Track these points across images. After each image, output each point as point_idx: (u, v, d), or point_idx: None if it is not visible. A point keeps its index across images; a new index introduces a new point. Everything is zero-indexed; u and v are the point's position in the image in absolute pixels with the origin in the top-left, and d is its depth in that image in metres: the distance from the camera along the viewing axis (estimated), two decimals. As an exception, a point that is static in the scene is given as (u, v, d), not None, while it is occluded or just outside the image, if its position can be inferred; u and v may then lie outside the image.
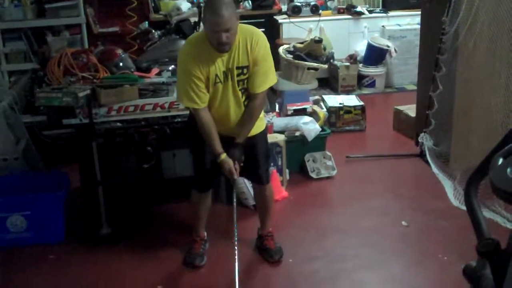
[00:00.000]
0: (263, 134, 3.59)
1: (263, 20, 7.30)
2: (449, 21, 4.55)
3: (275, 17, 7.47)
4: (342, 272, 3.60)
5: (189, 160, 4.19)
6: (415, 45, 6.50)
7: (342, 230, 4.10)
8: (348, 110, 5.96)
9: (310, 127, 4.86)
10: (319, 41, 5.08)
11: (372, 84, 7.36)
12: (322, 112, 5.28)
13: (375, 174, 5.03)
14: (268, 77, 3.35)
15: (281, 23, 7.35)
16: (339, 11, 7.61)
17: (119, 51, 4.46)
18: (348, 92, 7.11)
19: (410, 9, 7.49)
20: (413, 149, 5.34)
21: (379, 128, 6.05)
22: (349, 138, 5.83)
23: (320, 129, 4.94)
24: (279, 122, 4.88)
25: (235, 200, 3.49)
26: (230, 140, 3.38)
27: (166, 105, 3.96)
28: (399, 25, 7.53)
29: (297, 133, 4.87)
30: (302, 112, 5.05)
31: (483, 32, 4.14)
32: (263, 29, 3.57)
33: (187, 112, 3.70)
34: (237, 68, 3.27)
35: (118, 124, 4.53)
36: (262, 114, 3.56)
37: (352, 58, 7.37)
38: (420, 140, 5.12)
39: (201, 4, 4.89)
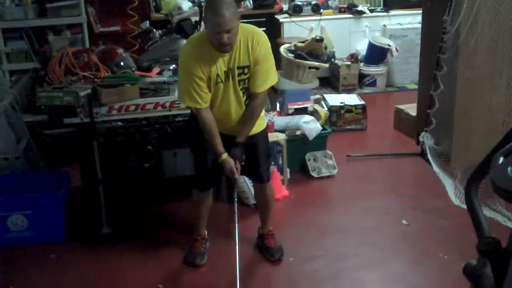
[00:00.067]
0: (264, 133, 3.59)
1: (264, 19, 7.30)
2: (450, 20, 4.55)
3: (276, 16, 7.47)
4: (343, 271, 3.60)
5: (190, 159, 4.20)
6: (416, 44, 6.50)
7: (343, 229, 4.10)
8: (349, 109, 5.96)
9: (311, 126, 4.86)
10: (320, 40, 5.08)
11: (373, 83, 7.36)
12: (323, 111, 5.28)
13: (376, 173, 5.03)
14: (269, 77, 3.35)
15: (282, 22, 7.35)
16: (340, 10, 7.61)
17: (120, 51, 4.46)
18: (349, 91, 7.10)
19: (411, 8, 7.48)
20: (414, 148, 5.34)
21: (380, 127, 6.05)
22: (350, 137, 5.83)
23: (321, 128, 4.94)
24: (280, 121, 4.88)
25: (236, 199, 3.49)
26: (231, 139, 3.39)
27: (167, 104, 3.96)
28: (400, 24, 7.53)
29: (298, 132, 4.87)
30: (303, 111, 5.05)
31: (484, 31, 4.13)
32: (264, 28, 3.57)
33: (188, 111, 3.70)
34: (238, 68, 3.27)
35: (119, 123, 4.53)
36: (263, 113, 3.57)
37: (353, 57, 7.37)
38: (421, 139, 5.11)
39: (202, 4, 4.89)
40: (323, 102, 5.81)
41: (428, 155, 4.95)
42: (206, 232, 3.84)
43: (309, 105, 5.11)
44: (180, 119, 4.43)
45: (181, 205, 4.34)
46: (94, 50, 4.44)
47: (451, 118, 4.67)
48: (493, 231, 1.84)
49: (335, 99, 6.10)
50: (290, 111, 5.03)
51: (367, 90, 7.33)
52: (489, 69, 4.13)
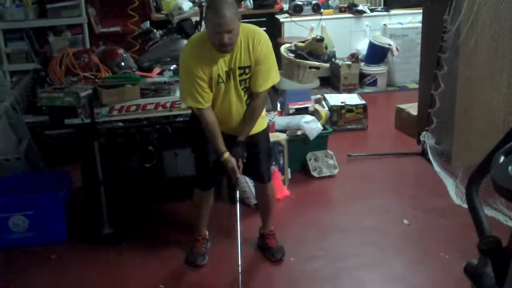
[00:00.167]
0: (265, 132, 3.59)
1: (264, 19, 7.29)
2: (451, 20, 4.55)
3: (276, 16, 7.46)
4: (344, 271, 3.60)
5: (190, 160, 4.20)
6: (417, 44, 6.49)
7: (344, 229, 4.10)
8: (349, 109, 5.96)
9: (311, 126, 4.86)
10: (321, 40, 5.08)
11: (373, 83, 7.36)
12: (323, 111, 5.28)
13: (377, 172, 5.03)
14: (270, 76, 3.35)
15: (282, 22, 7.35)
16: (341, 10, 7.60)
17: (121, 51, 4.47)
18: (349, 91, 7.10)
19: (412, 8, 7.47)
20: (415, 147, 5.34)
21: (381, 126, 6.04)
22: (351, 137, 5.83)
23: (322, 128, 4.94)
24: (281, 121, 4.88)
25: (238, 198, 3.49)
26: (232, 139, 3.39)
27: (168, 105, 3.96)
28: (400, 23, 7.52)
29: (299, 132, 4.87)
30: (303, 111, 5.04)
31: (484, 30, 4.13)
32: (265, 28, 3.58)
33: (189, 111, 3.71)
34: (239, 68, 3.27)
35: (120, 123, 4.53)
36: (264, 112, 3.57)
37: (354, 57, 7.36)
38: (421, 139, 5.11)
39: (203, 4, 4.90)
40: (323, 102, 5.81)
41: (429, 154, 4.94)
42: (207, 232, 3.84)
43: (310, 105, 5.11)
44: (181, 119, 4.44)
45: (182, 205, 4.34)
46: (95, 51, 4.45)
47: (452, 118, 4.67)
48: (494, 230, 1.84)
49: (335, 98, 6.10)
50: (291, 111, 5.03)
51: (367, 89, 7.32)
52: (490, 68, 4.13)
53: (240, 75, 3.29)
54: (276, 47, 4.76)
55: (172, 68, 4.37)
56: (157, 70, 4.33)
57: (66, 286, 3.59)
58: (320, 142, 4.97)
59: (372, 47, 7.25)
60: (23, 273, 3.69)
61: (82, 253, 3.88)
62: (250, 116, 3.38)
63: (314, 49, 5.07)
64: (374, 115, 6.13)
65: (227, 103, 3.35)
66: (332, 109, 5.85)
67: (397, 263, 3.68)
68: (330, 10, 7.60)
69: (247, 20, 5.84)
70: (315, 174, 4.87)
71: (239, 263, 3.33)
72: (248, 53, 3.25)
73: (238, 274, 3.32)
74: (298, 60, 5.00)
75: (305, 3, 7.37)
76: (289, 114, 5.02)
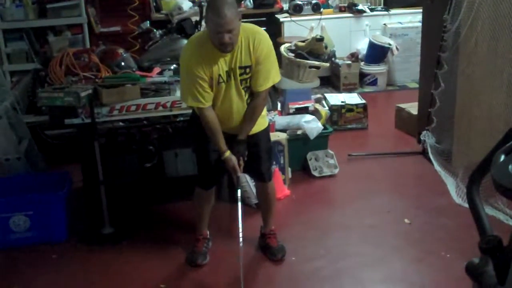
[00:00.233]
0: (266, 131, 3.59)
1: (264, 18, 7.30)
2: (451, 19, 4.55)
3: (276, 15, 7.47)
4: (345, 270, 3.60)
5: (191, 159, 4.21)
6: (417, 43, 6.49)
7: (345, 228, 4.10)
8: (350, 108, 5.96)
9: (312, 125, 4.86)
10: (321, 39, 5.08)
11: (374, 82, 7.36)
12: (324, 110, 5.28)
13: (377, 172, 5.03)
14: (270, 76, 3.35)
15: (282, 22, 7.35)
16: (341, 9, 7.61)
17: (121, 51, 4.47)
18: (350, 90, 7.10)
19: (412, 7, 7.47)
20: (415, 147, 5.33)
21: (381, 126, 6.04)
22: (351, 136, 5.83)
23: (322, 127, 4.94)
24: (281, 120, 4.88)
25: (239, 197, 3.49)
26: (233, 138, 3.40)
27: (168, 104, 3.96)
28: (400, 23, 7.53)
29: (299, 132, 4.87)
30: (304, 110, 5.04)
31: (484, 29, 4.13)
32: (265, 28, 3.57)
33: (189, 111, 3.71)
34: (240, 68, 3.27)
35: (120, 123, 4.54)
36: (264, 112, 3.57)
37: (354, 57, 7.36)
38: (422, 138, 5.11)
39: (202, 3, 4.90)
40: (324, 102, 5.81)
41: (430, 153, 4.94)
42: (208, 232, 3.84)
43: (310, 104, 5.11)
44: (181, 119, 4.44)
45: (183, 205, 4.34)
46: (95, 51, 4.45)
47: (452, 117, 4.67)
48: (495, 230, 1.84)
49: (336, 98, 6.10)
50: (291, 111, 5.03)
51: (368, 89, 7.32)
52: (490, 67, 4.13)
53: (241, 74, 3.29)
54: (276, 46, 4.76)
55: (172, 67, 4.38)
56: (157, 69, 4.33)
57: (67, 286, 3.59)
58: (321, 141, 4.97)
59: (372, 46, 7.25)
60: (23, 273, 3.69)
61: (82, 252, 3.88)
62: (251, 115, 3.39)
63: (314, 48, 5.07)
64: (374, 114, 6.13)
65: (227, 103, 3.35)
66: (332, 109, 5.86)
67: (398, 262, 3.68)
68: (330, 10, 7.61)
69: (247, 19, 5.84)
70: (315, 173, 4.87)
71: (241, 263, 3.33)
72: (249, 53, 3.25)
73: (240, 274, 3.32)
74: (298, 59, 5.00)
75: (305, 2, 7.37)
76: (289, 114, 5.02)
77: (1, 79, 4.87)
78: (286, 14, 7.42)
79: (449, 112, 4.71)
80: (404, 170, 5.07)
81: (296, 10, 7.37)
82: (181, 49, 4.39)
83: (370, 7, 7.66)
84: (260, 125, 3.49)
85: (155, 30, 5.00)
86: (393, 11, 7.64)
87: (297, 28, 7.24)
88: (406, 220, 4.14)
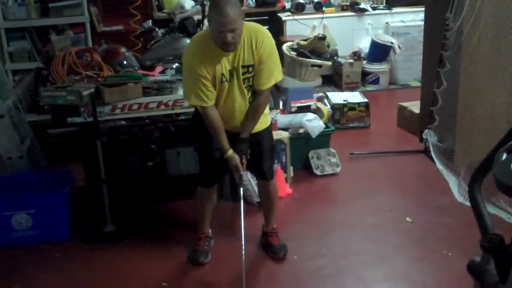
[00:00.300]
0: (268, 130, 3.60)
1: (266, 17, 7.28)
2: (453, 17, 4.54)
3: (278, 14, 7.46)
4: (346, 268, 3.60)
5: (193, 158, 4.22)
6: (419, 42, 6.48)
7: (346, 227, 4.10)
8: (352, 107, 5.96)
9: (314, 124, 4.86)
10: (323, 38, 5.08)
11: (376, 81, 7.36)
12: (326, 109, 5.28)
13: (379, 170, 5.03)
14: (273, 74, 3.35)
15: (284, 21, 7.36)
16: (343, 8, 7.61)
17: (123, 50, 4.48)
18: (352, 89, 7.10)
19: (414, 6, 7.46)
20: (418, 145, 5.33)
21: (383, 124, 6.04)
22: (353, 135, 5.83)
23: (324, 126, 4.94)
24: (283, 119, 4.88)
25: (242, 195, 3.50)
26: (236, 136, 3.40)
27: (170, 103, 3.96)
28: (403, 21, 7.53)
29: (301, 130, 4.87)
30: (306, 109, 5.04)
31: (487, 28, 4.13)
32: (267, 27, 3.58)
33: (191, 109, 3.72)
34: (243, 66, 3.27)
35: (122, 122, 4.55)
36: (267, 110, 3.57)
37: (356, 55, 7.37)
38: (424, 137, 5.11)
39: (205, 2, 4.89)
40: (326, 100, 5.81)
41: (432, 152, 4.94)
42: (210, 230, 3.84)
43: (312, 103, 5.11)
44: (183, 117, 4.45)
45: (184, 203, 4.34)
46: (97, 50, 4.45)
47: (454, 115, 4.67)
48: (497, 228, 1.84)
49: (338, 97, 6.10)
50: (293, 109, 5.03)
51: (370, 87, 7.32)
52: (492, 66, 4.13)
53: (244, 73, 3.29)
54: (278, 45, 4.77)
55: (174, 66, 4.38)
56: (159, 68, 4.33)
57: (69, 284, 3.59)
58: (323, 140, 4.97)
59: (374, 45, 7.25)
60: (25, 271, 3.70)
61: (84, 251, 3.89)
62: (253, 113, 3.39)
63: (316, 47, 5.06)
64: (376, 113, 6.13)
65: (230, 102, 3.36)
66: (335, 107, 5.86)
67: (400, 261, 3.68)
68: (332, 9, 7.61)
69: (249, 18, 5.81)
70: (317, 172, 4.87)
71: (243, 262, 3.34)
72: (252, 52, 3.25)
73: (242, 272, 3.32)
74: (300, 58, 5.00)
75: (307, 1, 7.38)
76: (291, 112, 5.02)
77: (3, 78, 4.88)
78: (288, 13, 7.42)
79: (451, 110, 4.71)
80: (406, 169, 5.07)
81: (298, 8, 7.37)
82: (183, 48, 4.41)
83: (372, 6, 7.66)
84: (262, 123, 3.49)
85: (157, 29, 5.01)
86: (395, 9, 7.64)
87: (299, 27, 7.24)
88: (408, 219, 4.14)
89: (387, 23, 7.52)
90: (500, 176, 1.66)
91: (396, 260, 3.69)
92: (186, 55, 3.35)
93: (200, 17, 4.98)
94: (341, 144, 5.27)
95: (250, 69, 3.29)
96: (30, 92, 4.93)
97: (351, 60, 7.28)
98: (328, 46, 5.15)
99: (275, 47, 3.35)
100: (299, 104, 5.04)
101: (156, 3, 7.10)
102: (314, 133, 4.85)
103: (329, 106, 5.62)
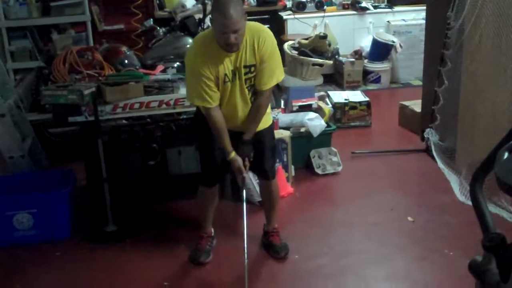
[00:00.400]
0: (270, 129, 3.59)
1: (267, 16, 7.28)
2: (454, 16, 4.54)
3: (279, 13, 7.46)
4: (348, 267, 3.60)
5: (194, 157, 4.21)
6: (421, 40, 6.48)
7: (348, 226, 4.10)
8: (353, 106, 5.96)
9: (315, 123, 4.85)
10: (324, 37, 5.08)
11: (377, 80, 7.35)
12: (327, 108, 5.28)
13: (381, 169, 5.03)
14: (274, 74, 3.35)
15: (285, 19, 7.35)
16: (344, 7, 7.61)
17: (124, 49, 4.47)
18: (353, 88, 7.09)
19: (415, 4, 7.45)
20: (419, 144, 5.33)
21: (384, 123, 6.04)
22: (355, 134, 5.83)
23: (326, 125, 4.94)
24: (285, 118, 4.88)
25: (244, 197, 3.49)
26: (238, 135, 3.40)
27: (172, 102, 3.96)
28: (404, 20, 7.52)
29: (303, 129, 4.87)
30: (307, 108, 5.04)
31: (488, 26, 4.12)
32: (268, 25, 3.56)
33: (193, 108, 3.72)
34: (245, 66, 3.27)
35: (124, 121, 4.55)
36: (269, 109, 3.57)
37: (357, 54, 7.36)
38: (425, 136, 5.11)
39: (206, 1, 4.89)
40: (327, 99, 5.80)
41: (433, 151, 4.94)
42: (212, 230, 3.84)
43: (313, 102, 5.11)
44: (185, 116, 4.45)
45: (186, 203, 4.34)
46: (98, 49, 4.45)
47: (456, 114, 4.66)
48: (498, 227, 1.84)
49: (339, 96, 6.10)
50: (294, 108, 5.02)
51: (371, 86, 7.32)
52: (494, 65, 4.13)
53: (246, 73, 3.29)
54: (280, 44, 4.76)
55: (175, 65, 4.37)
56: (160, 67, 4.33)
57: (70, 284, 3.59)
58: (324, 139, 4.96)
59: (376, 44, 7.24)
60: (27, 271, 3.70)
61: (85, 250, 3.89)
62: (255, 114, 3.39)
63: (318, 46, 5.06)
64: (377, 112, 6.13)
65: (232, 102, 3.35)
66: (336, 106, 5.86)
67: (401, 260, 3.68)
68: (333, 7, 7.61)
69: (250, 17, 5.79)
70: (319, 171, 4.86)
71: (245, 263, 3.33)
72: (253, 52, 3.25)
73: (243, 272, 3.32)
74: (301, 57, 5.00)
75: (308, 0, 7.36)
76: (292, 111, 5.02)
77: (4, 77, 4.88)
78: (289, 12, 7.42)
79: (453, 109, 4.70)
80: (408, 168, 5.07)
81: (300, 7, 7.37)
82: (185, 47, 4.43)
83: (373, 5, 7.66)
84: (264, 122, 3.49)
85: (158, 28, 5.01)
86: (396, 8, 7.63)
87: (301, 26, 7.23)
88: (409, 218, 4.14)
89: (388, 21, 7.51)
90: (502, 175, 1.66)
91: (397, 259, 3.69)
92: (188, 55, 3.35)
93: (201, 16, 4.98)
94: (343, 143, 5.27)
95: (252, 69, 3.29)
96: (31, 91, 4.93)
97: (353, 59, 7.28)
98: (329, 45, 5.15)
99: (276, 47, 3.35)
100: (300, 103, 5.04)
101: (157, 2, 7.10)
102: (316, 132, 4.85)
103: (330, 105, 5.62)
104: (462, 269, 2.05)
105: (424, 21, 5.80)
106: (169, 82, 4.10)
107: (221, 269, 3.62)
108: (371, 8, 7.57)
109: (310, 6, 7.38)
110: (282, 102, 5.12)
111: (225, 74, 3.25)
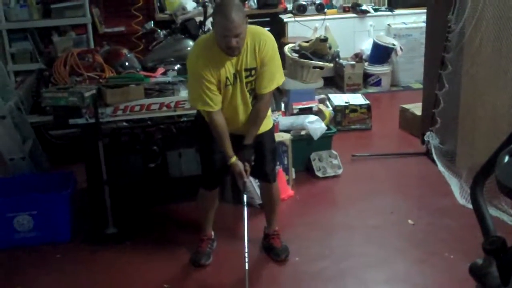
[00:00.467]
0: (271, 132, 3.59)
1: (268, 19, 7.30)
2: (455, 19, 4.54)
3: (280, 16, 7.47)
4: (348, 270, 3.60)
5: (195, 160, 4.21)
6: (421, 44, 6.48)
7: (348, 229, 4.10)
8: (354, 109, 5.96)
9: (315, 126, 4.86)
10: (325, 40, 5.08)
11: (378, 83, 7.35)
12: (327, 111, 5.28)
13: (381, 172, 5.02)
14: (274, 78, 3.35)
15: (286, 22, 7.35)
16: (345, 10, 7.61)
17: (125, 51, 4.48)
18: (353, 90, 7.10)
19: (416, 7, 7.46)
20: (419, 147, 5.32)
21: (385, 126, 6.04)
22: (355, 137, 5.83)
23: (326, 128, 4.94)
24: (285, 121, 4.88)
25: (245, 201, 3.49)
26: (238, 139, 3.39)
27: (172, 105, 3.97)
28: (404, 23, 7.52)
29: (303, 132, 4.87)
30: (308, 111, 5.04)
31: (489, 29, 4.13)
32: (268, 28, 3.58)
33: (193, 111, 3.72)
34: (246, 70, 3.28)
35: (124, 123, 4.55)
36: (269, 112, 3.57)
37: (358, 57, 7.37)
38: (426, 139, 5.10)
39: (206, 3, 4.90)
40: (327, 102, 5.81)
41: (434, 154, 4.93)
42: (212, 233, 3.83)
43: (314, 105, 5.11)
44: (185, 119, 4.45)
45: (186, 205, 4.34)
46: (99, 51, 4.46)
47: (456, 118, 4.66)
48: (499, 231, 1.84)
49: (339, 98, 6.10)
50: (295, 111, 5.03)
51: (371, 89, 7.32)
52: (494, 68, 4.13)
53: (246, 77, 3.29)
54: (280, 47, 4.77)
55: (176, 68, 4.38)
56: (161, 70, 4.34)
57: (70, 286, 3.59)
58: (324, 142, 4.96)
59: (376, 47, 7.24)
60: (27, 273, 3.70)
61: (86, 253, 3.89)
62: (255, 118, 3.39)
63: (318, 49, 5.07)
64: (378, 115, 6.13)
65: (233, 105, 3.36)
66: (336, 109, 5.85)
67: (401, 263, 3.67)
68: (334, 10, 7.61)
69: (251, 20, 5.81)
70: (319, 174, 4.86)
71: (246, 266, 3.33)
72: (254, 55, 3.25)
73: (244, 275, 3.32)
74: (302, 60, 5.01)
75: (309, 3, 7.37)
76: (293, 114, 5.02)
77: (5, 79, 4.88)
78: (290, 15, 7.42)
79: (453, 112, 4.70)
80: (408, 171, 5.07)
81: (300, 10, 7.37)
82: (185, 49, 4.44)
83: (374, 8, 7.67)
84: (265, 125, 3.49)
85: (159, 30, 5.02)
86: (397, 11, 7.63)
87: (301, 29, 7.24)
88: (409, 221, 4.14)
89: (389, 25, 7.52)
90: (503, 178, 1.67)
91: (397, 262, 3.68)
92: (190, 59, 3.35)
93: (202, 18, 4.99)
94: (343, 146, 5.27)
95: (253, 72, 3.29)
96: (32, 93, 4.93)
97: (353, 62, 7.28)
98: (330, 47, 5.15)
99: (277, 50, 3.36)
100: (301, 106, 5.04)
101: (158, 4, 7.11)
102: (316, 135, 4.85)
103: (330, 108, 5.62)
104: (463, 272, 2.05)
105: (424, 24, 5.80)
106: (169, 85, 4.11)
107: (222, 272, 3.62)
108: (372, 11, 7.57)
109: (311, 9, 7.39)
110: (283, 105, 5.14)
111: (227, 78, 3.26)
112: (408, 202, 4.47)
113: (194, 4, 6.76)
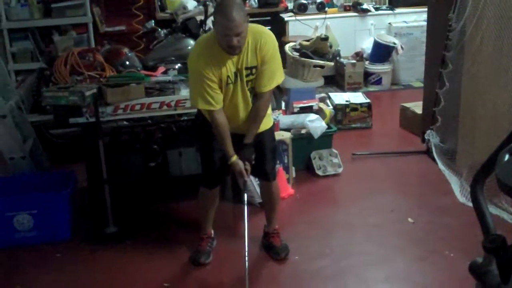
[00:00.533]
0: (271, 130, 3.59)
1: (269, 18, 7.30)
2: (456, 18, 4.54)
3: (281, 14, 7.46)
4: (348, 269, 3.60)
5: (195, 158, 4.22)
6: (422, 42, 6.48)
7: (348, 227, 4.10)
8: (354, 107, 5.95)
9: (316, 124, 4.85)
10: (325, 38, 5.08)
11: (378, 82, 7.35)
12: (328, 109, 5.28)
13: (381, 171, 5.02)
14: (275, 76, 3.35)
15: (287, 21, 7.35)
16: (345, 9, 7.61)
17: (126, 50, 4.48)
18: (354, 89, 7.09)
19: (417, 6, 7.45)
20: (420, 146, 5.32)
21: (385, 125, 6.04)
22: (356, 136, 5.83)
23: (326, 126, 4.94)
24: (285, 119, 4.88)
25: (246, 201, 3.49)
26: (239, 137, 3.40)
27: (173, 104, 3.96)
28: (405, 22, 7.52)
29: (303, 131, 4.87)
30: (308, 109, 5.04)
31: (489, 28, 4.13)
32: (269, 27, 3.58)
33: (194, 110, 3.72)
34: (246, 68, 3.28)
35: (125, 122, 4.55)
36: (270, 110, 3.57)
37: (359, 56, 7.36)
38: (426, 137, 5.10)
39: (207, 2, 4.90)
40: (328, 101, 5.81)
41: (434, 153, 4.94)
42: (212, 231, 3.83)
43: (314, 103, 5.11)
44: (186, 118, 4.45)
45: (187, 204, 4.34)
46: (100, 50, 4.46)
47: (457, 116, 4.66)
48: (499, 229, 1.84)
49: (340, 97, 6.10)
50: (295, 110, 5.02)
51: (372, 88, 7.32)
52: (495, 66, 4.13)
53: (247, 75, 3.30)
54: (281, 45, 4.77)
55: (176, 67, 4.38)
56: (161, 69, 4.34)
57: (70, 285, 3.59)
58: (325, 140, 4.96)
59: (377, 45, 7.24)
60: (27, 272, 3.70)
61: (86, 252, 3.89)
62: (255, 117, 3.39)
63: (319, 47, 5.07)
64: (378, 113, 6.13)
65: (234, 104, 3.36)
66: (337, 108, 5.85)
67: (401, 262, 3.67)
68: (335, 9, 7.61)
69: (251, 19, 5.79)
70: (319, 172, 4.86)
71: (246, 264, 3.33)
72: (255, 54, 3.25)
73: (244, 273, 3.32)
74: (302, 58, 5.00)
75: (310, 1, 7.37)
76: (293, 113, 5.02)
77: (6, 78, 4.89)
78: (290, 13, 7.42)
79: (454, 111, 4.70)
80: (408, 169, 5.07)
81: (301, 9, 7.37)
82: (186, 48, 4.44)
83: (375, 6, 7.66)
84: (265, 124, 3.49)
85: (159, 30, 5.01)
86: (398, 10, 7.63)
87: (302, 27, 7.24)
88: (409, 219, 4.14)
89: (389, 23, 7.52)
90: (503, 177, 1.66)
91: (397, 260, 3.68)
92: (191, 58, 3.34)
93: (202, 17, 4.98)
94: (343, 144, 5.27)
95: (254, 70, 3.29)
96: (32, 92, 4.94)
97: (354, 61, 7.28)
98: (331, 46, 5.15)
99: (278, 49, 3.36)
100: (301, 105, 5.04)
101: (159, 3, 7.11)
102: (316, 134, 4.85)
103: (331, 107, 5.63)
104: (463, 270, 2.05)
105: (425, 23, 5.80)
106: (170, 84, 4.11)
107: (222, 270, 3.62)
108: (373, 10, 7.56)
109: (312, 7, 7.38)
110: (283, 103, 5.14)
111: (228, 76, 3.26)
112: (408, 201, 4.47)
113: (195, 3, 6.74)
